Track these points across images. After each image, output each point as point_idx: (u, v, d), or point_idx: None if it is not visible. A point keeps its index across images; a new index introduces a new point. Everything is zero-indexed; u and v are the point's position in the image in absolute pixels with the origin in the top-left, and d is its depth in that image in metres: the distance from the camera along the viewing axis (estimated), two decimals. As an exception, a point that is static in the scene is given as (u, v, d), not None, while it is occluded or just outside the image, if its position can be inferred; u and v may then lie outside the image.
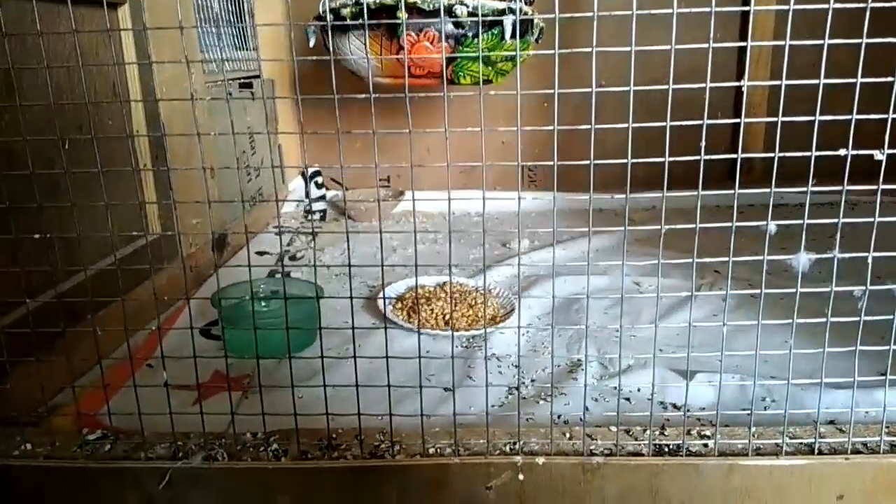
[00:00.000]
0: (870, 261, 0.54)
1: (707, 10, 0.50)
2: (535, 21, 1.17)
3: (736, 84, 0.59)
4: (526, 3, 1.23)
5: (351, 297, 0.63)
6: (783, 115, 0.51)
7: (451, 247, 0.65)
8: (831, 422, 0.69)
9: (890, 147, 0.52)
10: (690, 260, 0.55)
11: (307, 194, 1.68)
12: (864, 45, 0.50)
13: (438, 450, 0.64)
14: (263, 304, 0.99)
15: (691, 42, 0.49)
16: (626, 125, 0.50)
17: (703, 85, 0.50)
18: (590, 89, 0.51)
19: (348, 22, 1.11)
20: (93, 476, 0.63)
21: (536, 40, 1.22)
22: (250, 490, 0.62)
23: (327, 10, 1.13)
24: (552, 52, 0.51)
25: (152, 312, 0.99)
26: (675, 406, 0.77)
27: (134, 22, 1.03)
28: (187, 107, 1.16)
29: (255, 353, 0.64)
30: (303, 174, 1.67)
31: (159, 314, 0.66)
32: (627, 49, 0.50)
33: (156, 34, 1.10)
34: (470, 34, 1.10)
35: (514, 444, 0.64)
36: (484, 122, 0.51)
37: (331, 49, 1.17)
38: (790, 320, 0.57)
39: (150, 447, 0.65)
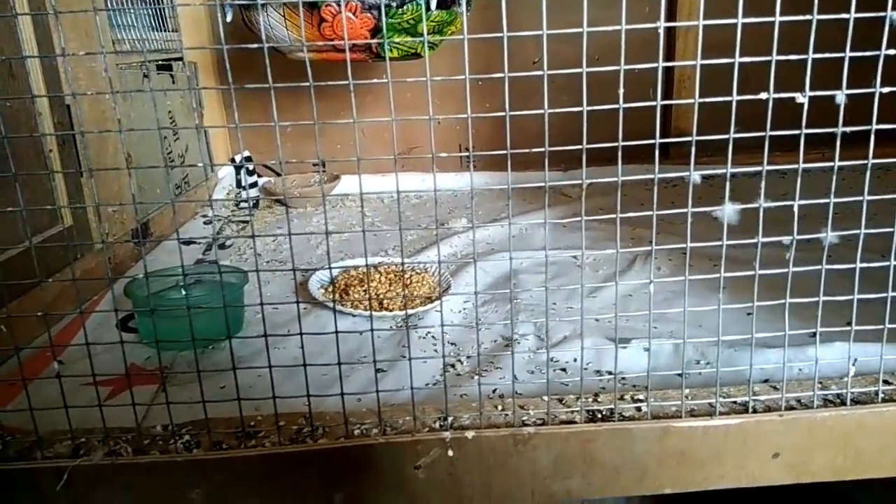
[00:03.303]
0: (795, 209, 0.53)
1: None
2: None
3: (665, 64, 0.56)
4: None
5: (258, 272, 0.59)
6: (711, 86, 0.52)
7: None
8: (766, 380, 0.68)
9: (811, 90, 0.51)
10: (614, 215, 0.53)
11: (238, 182, 1.61)
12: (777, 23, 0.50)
13: (364, 431, 0.60)
14: (184, 292, 0.94)
15: (621, 12, 0.48)
16: (541, 111, 0.52)
17: (651, 65, 0.51)
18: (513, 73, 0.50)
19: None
20: (-21, 481, 0.57)
21: (467, 9, 1.18)
22: (158, 485, 0.57)
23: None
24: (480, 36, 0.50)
25: (65, 307, 0.94)
26: (611, 374, 0.75)
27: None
28: (98, 89, 1.09)
29: (155, 341, 0.59)
30: (233, 161, 1.60)
31: (48, 321, 0.60)
32: (564, 31, 0.50)
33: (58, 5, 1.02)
34: (394, 4, 1.06)
35: (444, 419, 0.61)
36: (417, 100, 0.49)
37: (255, 29, 1.11)
38: (718, 275, 0.55)
39: (47, 446, 0.60)
